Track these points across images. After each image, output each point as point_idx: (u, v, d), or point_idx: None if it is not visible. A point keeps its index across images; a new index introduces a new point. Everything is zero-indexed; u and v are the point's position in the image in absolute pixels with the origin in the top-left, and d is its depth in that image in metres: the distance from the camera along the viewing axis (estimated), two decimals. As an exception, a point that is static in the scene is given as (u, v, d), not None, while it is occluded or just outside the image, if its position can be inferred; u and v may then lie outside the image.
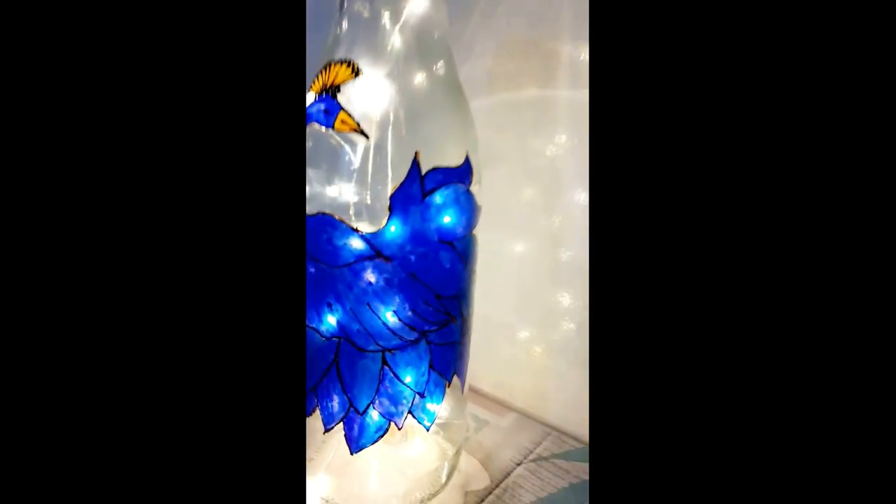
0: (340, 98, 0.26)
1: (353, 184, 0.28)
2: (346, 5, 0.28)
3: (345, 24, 0.28)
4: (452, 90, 0.30)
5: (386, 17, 0.27)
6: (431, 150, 0.28)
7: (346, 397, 0.31)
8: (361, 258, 0.28)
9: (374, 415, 0.31)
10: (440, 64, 0.29)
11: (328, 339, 0.30)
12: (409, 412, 0.31)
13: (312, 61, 0.27)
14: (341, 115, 0.26)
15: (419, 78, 0.28)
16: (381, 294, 0.29)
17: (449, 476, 0.38)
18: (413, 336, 0.30)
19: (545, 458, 0.41)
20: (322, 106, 0.26)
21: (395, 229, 0.27)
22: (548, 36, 0.39)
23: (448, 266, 0.30)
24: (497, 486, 0.38)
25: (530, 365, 0.47)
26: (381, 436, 0.31)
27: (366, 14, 0.28)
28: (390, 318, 0.29)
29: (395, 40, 0.27)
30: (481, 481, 0.38)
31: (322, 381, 0.31)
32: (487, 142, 0.35)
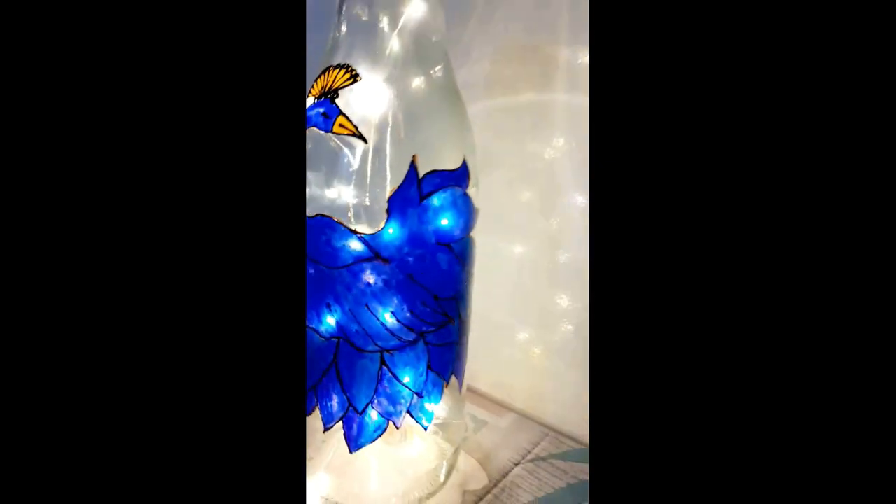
0: (339, 102, 0.27)
1: (351, 186, 0.28)
2: (344, 9, 0.28)
3: (343, 28, 0.29)
4: (450, 94, 0.30)
5: (384, 21, 0.28)
6: (429, 154, 0.28)
7: (345, 397, 0.31)
8: (360, 260, 0.28)
9: (372, 414, 0.32)
10: (438, 68, 0.29)
11: (327, 339, 0.30)
12: (408, 412, 0.32)
13: (311, 63, 0.27)
14: (340, 119, 0.27)
15: (417, 82, 0.29)
16: (379, 295, 0.29)
17: (447, 475, 0.38)
18: (411, 337, 0.30)
19: (543, 459, 0.41)
20: (321, 110, 0.27)
21: (393, 231, 0.28)
22: (545, 40, 0.39)
23: (446, 268, 0.30)
24: (495, 485, 0.38)
25: (529, 366, 0.47)
26: (380, 435, 0.32)
27: (364, 18, 0.28)
28: (389, 318, 0.29)
29: (394, 44, 0.28)
30: (479, 481, 0.38)
31: (321, 380, 0.31)
32: (486, 145, 0.35)
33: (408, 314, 0.29)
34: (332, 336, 0.30)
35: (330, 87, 0.27)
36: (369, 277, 0.28)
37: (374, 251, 0.28)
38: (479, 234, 0.32)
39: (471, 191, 0.30)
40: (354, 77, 0.27)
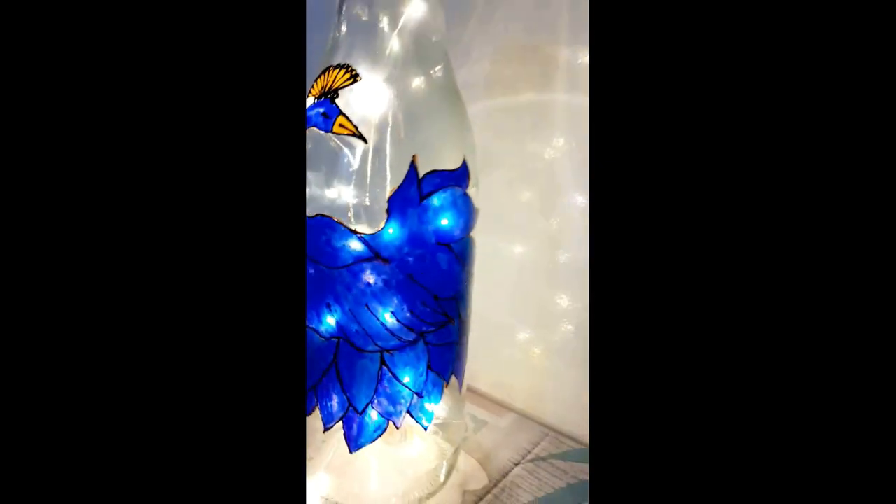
0: (339, 102, 0.27)
1: (352, 186, 0.28)
2: (344, 9, 0.28)
3: (343, 28, 0.29)
4: (450, 94, 0.30)
5: (384, 21, 0.28)
6: (429, 154, 0.28)
7: (345, 397, 0.31)
8: (360, 260, 0.28)
9: (372, 414, 0.32)
10: (438, 68, 0.29)
11: (327, 339, 0.30)
12: (408, 412, 0.32)
13: (312, 63, 0.27)
14: (340, 119, 0.27)
15: (417, 82, 0.29)
16: (379, 295, 0.29)
17: (447, 475, 0.38)
18: (411, 337, 0.30)
19: (543, 459, 0.41)
20: (321, 110, 0.27)
21: (393, 231, 0.28)
22: (545, 41, 0.40)
23: (445, 268, 0.30)
24: (495, 485, 0.38)
25: (529, 366, 0.47)
26: (380, 435, 0.32)
27: (364, 18, 0.28)
28: (388, 318, 0.29)
29: (394, 44, 0.28)
30: (479, 481, 0.38)
31: (321, 380, 0.31)
32: (486, 145, 0.35)
33: (408, 314, 0.29)
34: (332, 336, 0.30)
35: (330, 87, 0.27)
36: (369, 277, 0.28)
37: (374, 251, 0.28)
38: (479, 234, 0.32)
39: (471, 191, 0.30)
40: (354, 77, 0.27)
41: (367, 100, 0.27)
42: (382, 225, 0.28)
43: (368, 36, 0.28)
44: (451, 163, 0.29)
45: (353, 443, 0.32)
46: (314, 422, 0.32)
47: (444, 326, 0.31)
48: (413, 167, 0.27)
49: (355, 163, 0.28)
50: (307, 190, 0.29)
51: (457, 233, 0.30)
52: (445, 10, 0.29)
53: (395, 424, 0.32)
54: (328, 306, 0.29)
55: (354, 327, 0.29)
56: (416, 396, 0.32)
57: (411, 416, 0.32)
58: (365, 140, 0.27)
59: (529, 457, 0.41)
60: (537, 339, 0.46)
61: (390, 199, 0.27)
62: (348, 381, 0.31)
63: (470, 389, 0.49)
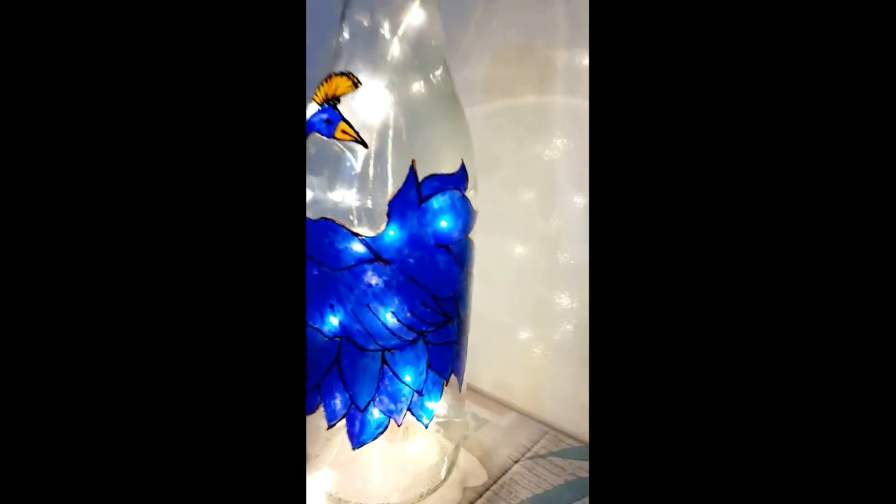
0: (341, 108, 0.27)
1: (354, 190, 0.29)
2: (346, 16, 0.29)
3: (346, 35, 0.29)
4: (448, 99, 0.31)
5: (385, 27, 0.28)
6: (429, 158, 0.29)
7: (347, 395, 0.32)
8: (362, 261, 0.29)
9: (374, 412, 0.32)
10: (437, 73, 0.30)
11: (330, 338, 0.31)
12: (409, 410, 0.32)
13: (313, 69, 0.28)
14: (342, 126, 0.27)
15: (417, 87, 0.29)
16: (380, 296, 0.30)
17: (448, 472, 0.39)
18: (411, 336, 0.31)
19: (542, 456, 0.42)
20: (324, 116, 0.28)
21: (393, 233, 0.28)
22: (543, 44, 0.40)
23: (444, 269, 0.30)
24: (495, 482, 0.39)
25: (529, 365, 0.47)
26: (382, 432, 0.32)
27: (366, 23, 0.29)
28: (389, 318, 0.30)
29: (394, 50, 0.28)
30: (479, 478, 0.39)
31: (325, 379, 0.32)
32: (486, 147, 0.36)
33: (408, 314, 0.30)
34: (335, 336, 0.31)
35: (332, 94, 0.27)
36: (371, 278, 0.29)
37: (376, 253, 0.29)
38: (479, 235, 0.33)
39: (469, 193, 0.31)
40: (356, 84, 0.27)
41: (369, 105, 0.28)
42: (383, 227, 0.28)
43: (370, 42, 0.29)
44: (449, 166, 0.29)
45: (356, 440, 0.32)
46: (318, 419, 0.33)
47: (444, 326, 0.32)
48: (412, 171, 0.28)
49: (357, 167, 0.28)
50: (311, 194, 0.29)
51: (455, 234, 0.30)
52: (444, 15, 0.30)
53: (396, 422, 0.32)
54: (331, 307, 0.30)
55: (357, 327, 0.30)
56: (416, 394, 0.32)
57: (412, 413, 0.33)
58: (366, 145, 0.28)
59: (529, 454, 0.42)
60: (537, 338, 0.47)
61: (390, 203, 0.28)
62: (351, 380, 0.31)
63: (471, 389, 0.50)
